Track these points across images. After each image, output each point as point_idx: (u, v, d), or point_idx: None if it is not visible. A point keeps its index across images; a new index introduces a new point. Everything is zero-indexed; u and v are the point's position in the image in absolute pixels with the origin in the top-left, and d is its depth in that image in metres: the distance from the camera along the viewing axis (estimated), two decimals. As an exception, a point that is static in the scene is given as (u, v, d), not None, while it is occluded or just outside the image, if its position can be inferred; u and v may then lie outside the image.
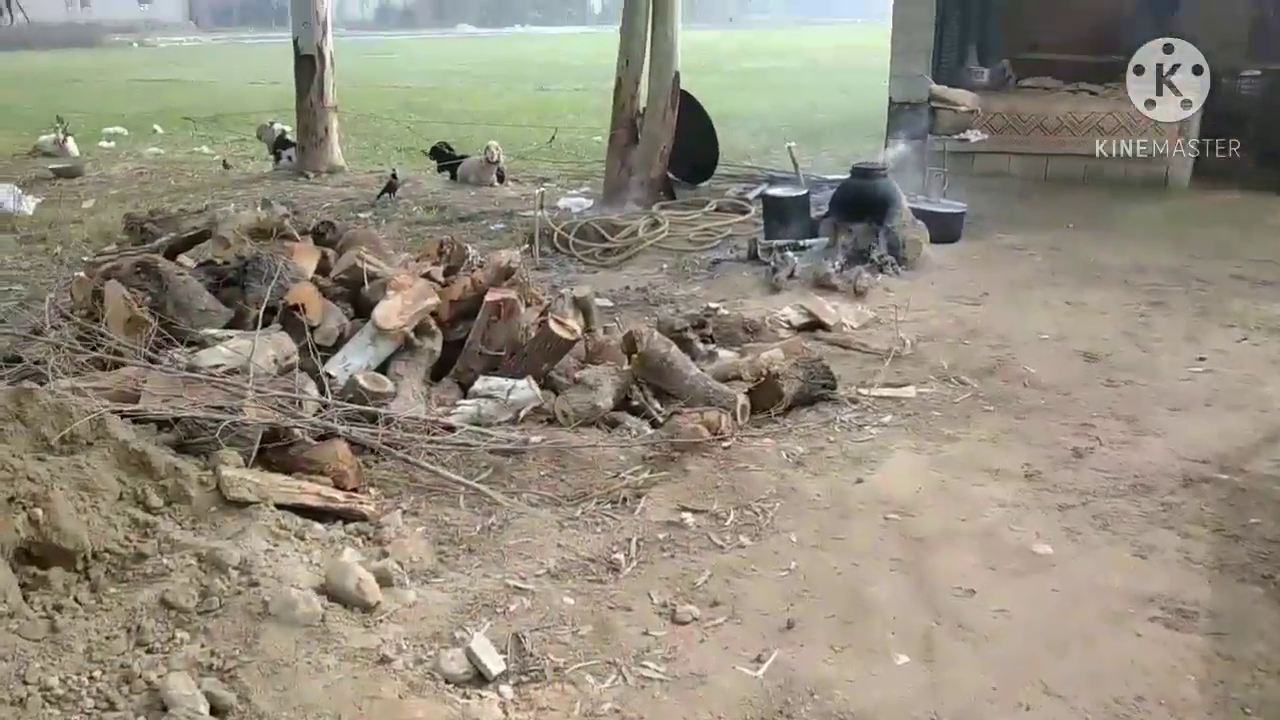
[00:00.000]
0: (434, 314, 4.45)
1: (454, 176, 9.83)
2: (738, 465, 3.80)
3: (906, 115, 8.07)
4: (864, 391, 4.61)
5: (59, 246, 7.31)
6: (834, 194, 7.14)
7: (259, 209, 4.66)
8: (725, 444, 3.94)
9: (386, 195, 8.83)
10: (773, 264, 6.55)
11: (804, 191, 7.26)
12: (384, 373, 4.10)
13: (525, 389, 4.23)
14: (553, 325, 4.34)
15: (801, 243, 6.86)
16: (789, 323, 5.57)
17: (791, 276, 6.46)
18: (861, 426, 4.26)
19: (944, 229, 7.34)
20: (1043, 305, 5.96)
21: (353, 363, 4.04)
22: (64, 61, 30.42)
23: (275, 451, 3.51)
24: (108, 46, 41.97)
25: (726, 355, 5.20)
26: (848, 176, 7.16)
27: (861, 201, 6.84)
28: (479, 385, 4.24)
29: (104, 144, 13.19)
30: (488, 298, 4.43)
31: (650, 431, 4.14)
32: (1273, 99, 9.23)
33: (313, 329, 4.07)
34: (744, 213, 8.21)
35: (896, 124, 8.10)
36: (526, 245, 7.22)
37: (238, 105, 17.35)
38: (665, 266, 7.06)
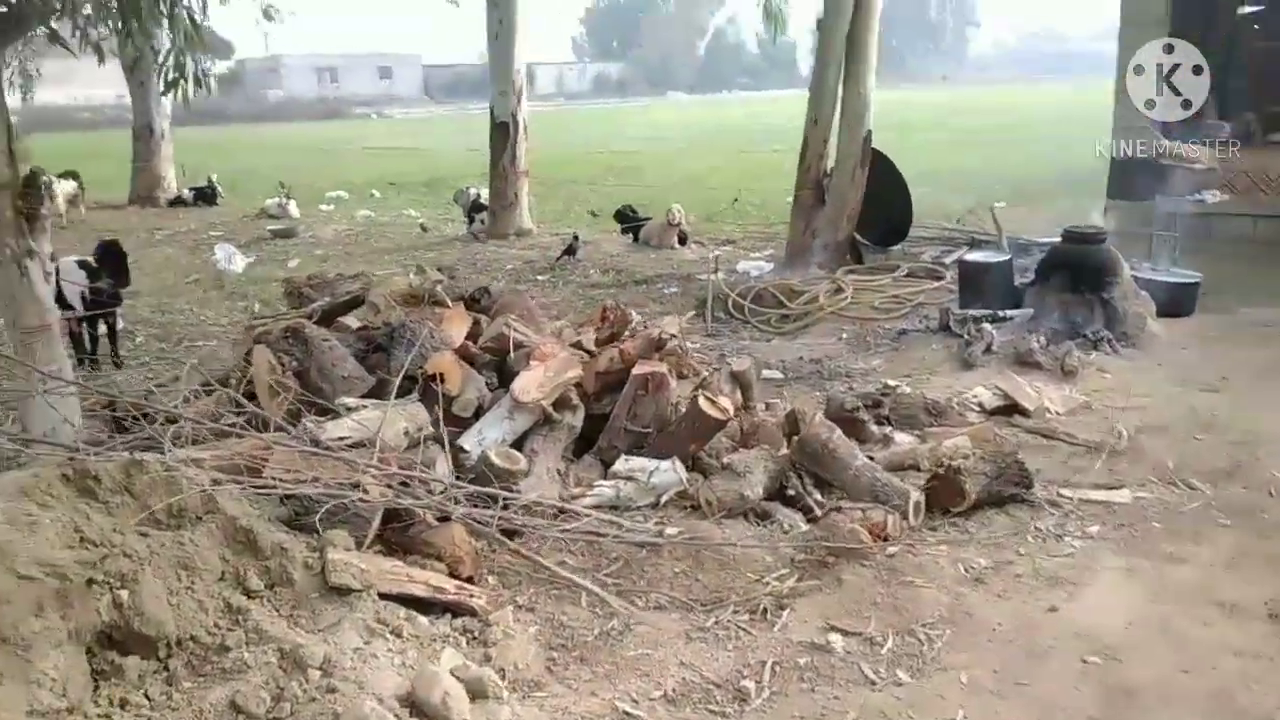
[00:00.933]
0: (579, 386, 4.19)
1: (637, 239, 9.72)
2: (903, 578, 3.26)
3: (1130, 173, 7.20)
4: (1067, 493, 3.94)
5: (257, 304, 7.67)
6: (1042, 259, 6.41)
7: (411, 275, 4.59)
8: (890, 550, 3.40)
9: (567, 258, 8.79)
10: (966, 336, 5.91)
11: (1006, 257, 6.57)
12: (520, 448, 3.85)
13: (669, 471, 3.87)
14: (702, 404, 3.97)
15: (1001, 314, 6.18)
16: (980, 405, 4.93)
17: (988, 351, 5.79)
18: (1061, 537, 3.60)
19: (1174, 301, 6.44)
20: (1298, 394, 5.01)
21: (488, 436, 3.82)
22: (312, 132, 33.35)
23: (396, 531, 3.31)
24: (351, 119, 45.91)
25: (904, 440, 4.65)
26: (1058, 240, 6.41)
27: (1075, 269, 6.09)
28: (619, 465, 3.91)
29: (323, 207, 14.10)
30: (635, 370, 4.12)
31: (804, 528, 3.66)
32: None
33: (451, 400, 3.88)
34: (939, 279, 7.57)
35: (1118, 183, 7.24)
36: (695, 311, 6.90)
37: (451, 171, 18.22)
38: (845, 336, 6.55)
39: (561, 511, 3.52)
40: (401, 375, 3.81)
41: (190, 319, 7.38)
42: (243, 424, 3.51)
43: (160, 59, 5.07)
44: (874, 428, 4.69)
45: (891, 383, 5.00)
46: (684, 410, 4.08)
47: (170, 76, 5.08)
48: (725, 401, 4.07)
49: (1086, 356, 5.59)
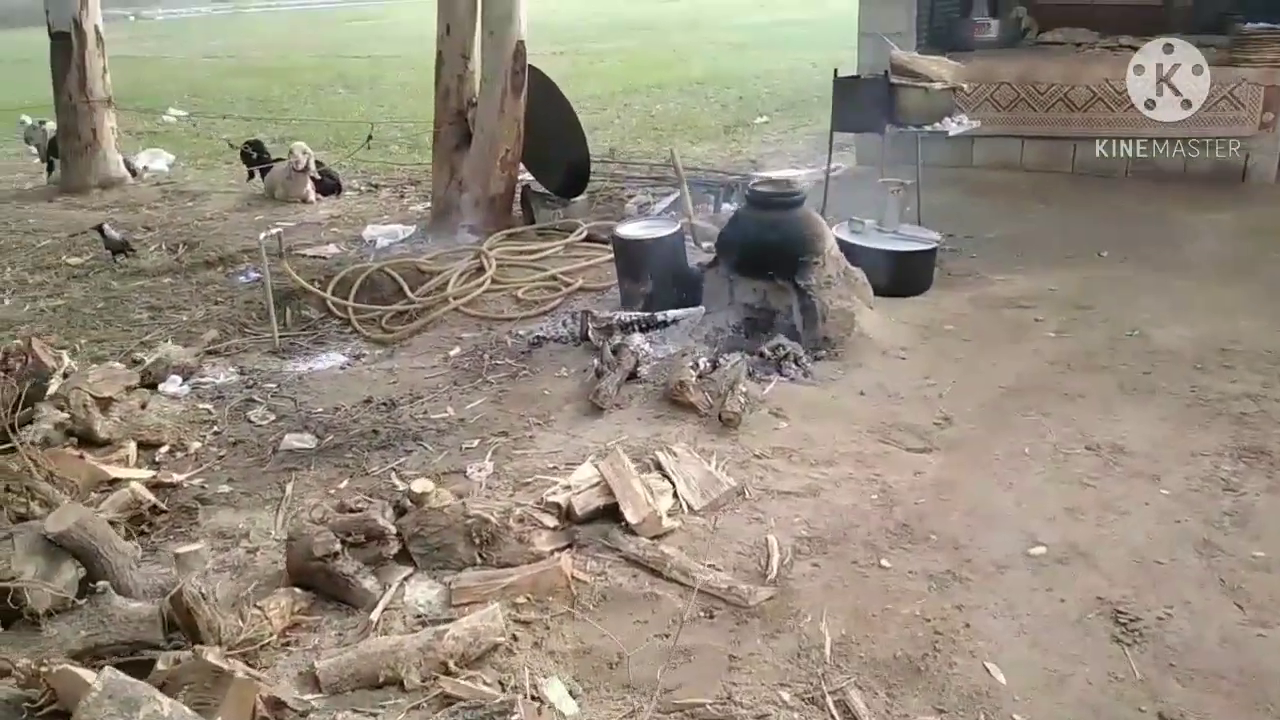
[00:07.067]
0: None
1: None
2: None
3: (853, 98, 5.40)
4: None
5: None
6: (723, 230, 4.56)
7: None
8: None
9: (120, 257, 5.79)
10: (599, 360, 4.01)
11: (673, 229, 4.63)
12: None
13: None
14: None
15: (663, 316, 4.31)
16: (568, 508, 3.02)
17: (633, 378, 3.93)
18: None
19: (903, 276, 4.78)
20: (1046, 453, 3.34)
21: None
22: (33, 38, 27.80)
23: None
24: (107, 22, 39.22)
25: (417, 602, 2.73)
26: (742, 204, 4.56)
27: (762, 244, 4.26)
28: None
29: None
30: None
31: None
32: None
33: None
34: (625, 244, 5.63)
35: (839, 110, 5.44)
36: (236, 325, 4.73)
37: (169, 87, 14.69)
38: (459, 349, 4.55)
39: None
40: None
41: None
42: None
43: None
44: (368, 585, 2.73)
45: (417, 488, 3.00)
46: None
47: None
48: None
49: (761, 388, 3.80)
